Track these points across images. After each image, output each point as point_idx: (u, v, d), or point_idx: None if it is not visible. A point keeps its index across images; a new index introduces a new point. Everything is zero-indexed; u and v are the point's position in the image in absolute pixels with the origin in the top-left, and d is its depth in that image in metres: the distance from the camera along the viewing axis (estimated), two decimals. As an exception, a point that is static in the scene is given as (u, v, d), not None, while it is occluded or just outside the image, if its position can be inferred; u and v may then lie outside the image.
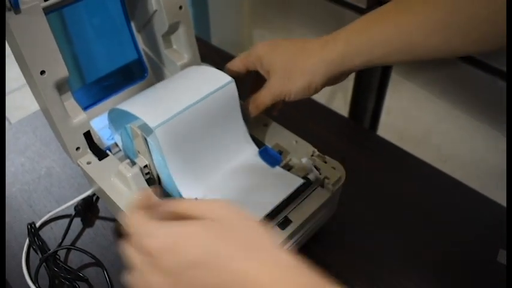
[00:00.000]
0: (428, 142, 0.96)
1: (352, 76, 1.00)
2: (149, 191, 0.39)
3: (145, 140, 0.55)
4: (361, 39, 0.52)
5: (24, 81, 0.59)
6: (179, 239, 0.33)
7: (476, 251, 0.63)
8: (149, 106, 0.57)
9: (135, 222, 0.36)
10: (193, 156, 0.57)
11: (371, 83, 0.97)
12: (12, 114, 1.98)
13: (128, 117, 0.58)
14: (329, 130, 0.81)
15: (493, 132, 0.90)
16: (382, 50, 0.51)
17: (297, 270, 0.32)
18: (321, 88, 0.56)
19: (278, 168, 0.58)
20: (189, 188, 0.56)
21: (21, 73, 0.57)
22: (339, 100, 1.04)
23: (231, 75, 0.58)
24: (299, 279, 0.31)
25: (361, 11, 0.89)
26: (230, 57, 0.64)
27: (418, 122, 0.97)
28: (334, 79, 0.56)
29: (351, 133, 0.84)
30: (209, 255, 0.32)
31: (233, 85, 0.58)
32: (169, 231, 0.34)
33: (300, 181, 0.56)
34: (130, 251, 0.35)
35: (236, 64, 0.62)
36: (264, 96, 0.59)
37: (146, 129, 0.55)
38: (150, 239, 0.34)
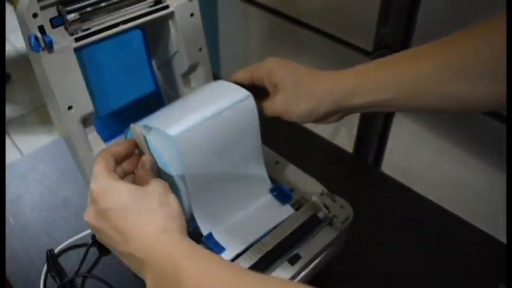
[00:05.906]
0: (431, 180, 0.99)
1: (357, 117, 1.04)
2: (119, 146, 0.55)
3: (145, 139, 0.55)
4: (373, 77, 0.52)
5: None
6: (110, 190, 0.47)
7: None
8: (167, 119, 0.56)
9: (97, 163, 0.51)
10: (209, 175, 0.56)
11: (376, 123, 1.01)
12: None
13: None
14: (335, 166, 0.84)
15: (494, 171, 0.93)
16: (392, 91, 0.51)
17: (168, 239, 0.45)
18: (321, 119, 0.57)
19: (288, 206, 0.61)
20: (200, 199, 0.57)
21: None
22: (343, 136, 1.07)
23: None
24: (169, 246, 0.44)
25: (367, 54, 0.94)
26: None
27: (420, 160, 1.00)
28: (336, 114, 0.56)
29: (356, 169, 0.87)
30: (121, 208, 0.46)
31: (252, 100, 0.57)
32: (107, 182, 0.48)
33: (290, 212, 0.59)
34: (91, 184, 0.49)
35: (241, 75, 0.61)
36: (267, 109, 0.58)
37: (147, 129, 0.55)
38: (94, 182, 0.48)
